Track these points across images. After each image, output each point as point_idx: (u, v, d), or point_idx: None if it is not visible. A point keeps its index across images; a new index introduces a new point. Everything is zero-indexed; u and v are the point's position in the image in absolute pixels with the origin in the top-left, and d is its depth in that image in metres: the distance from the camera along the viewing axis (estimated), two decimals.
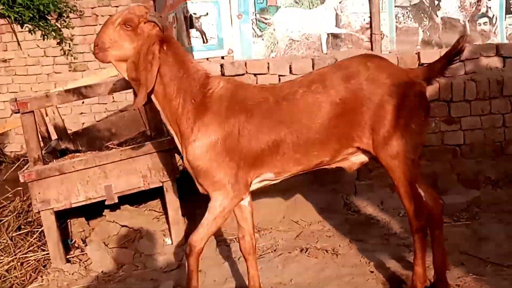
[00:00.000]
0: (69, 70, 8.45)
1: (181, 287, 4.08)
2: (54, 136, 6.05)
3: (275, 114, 3.26)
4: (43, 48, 8.46)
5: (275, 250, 4.53)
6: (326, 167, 3.54)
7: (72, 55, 8.24)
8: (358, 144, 3.32)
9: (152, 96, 3.34)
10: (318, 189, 5.16)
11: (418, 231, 3.35)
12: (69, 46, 7.13)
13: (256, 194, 5.07)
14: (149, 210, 5.30)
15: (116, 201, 4.71)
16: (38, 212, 4.63)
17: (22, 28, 6.80)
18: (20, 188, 5.33)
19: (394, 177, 3.31)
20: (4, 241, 4.70)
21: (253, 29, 5.36)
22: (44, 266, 4.62)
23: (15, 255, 4.59)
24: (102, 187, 4.67)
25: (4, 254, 4.61)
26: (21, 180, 4.53)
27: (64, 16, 7.04)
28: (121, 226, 5.10)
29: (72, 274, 4.51)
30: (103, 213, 5.16)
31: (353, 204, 5.13)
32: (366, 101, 3.23)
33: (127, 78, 3.33)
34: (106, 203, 4.69)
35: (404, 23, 5.49)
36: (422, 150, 3.41)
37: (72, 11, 7.28)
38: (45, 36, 6.79)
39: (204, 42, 5.32)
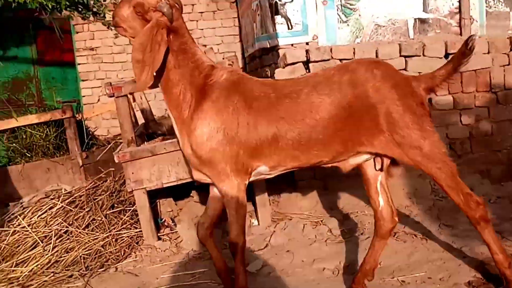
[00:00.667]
0: None
1: (269, 266, 4.19)
2: (140, 121, 6.27)
3: (275, 110, 3.25)
4: None
5: (362, 233, 4.55)
6: (323, 166, 3.52)
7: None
8: (370, 149, 3.29)
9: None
10: (404, 174, 5.13)
11: (478, 222, 3.24)
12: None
13: (341, 179, 5.13)
14: None
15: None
16: (131, 192, 4.83)
17: (60, 14, 6.97)
18: (112, 168, 5.55)
19: (431, 174, 3.25)
20: (99, 218, 4.91)
21: (338, 14, 5.37)
22: (137, 243, 4.82)
23: (109, 231, 4.80)
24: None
25: (100, 230, 4.83)
26: (116, 160, 4.73)
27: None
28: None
29: (164, 251, 4.69)
30: (191, 194, 5.32)
31: (440, 190, 5.06)
32: (372, 108, 3.19)
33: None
34: (196, 184, 4.83)
35: (495, 7, 5.37)
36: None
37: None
38: (85, 18, 7.00)
39: (289, 28, 5.39)
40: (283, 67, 5.14)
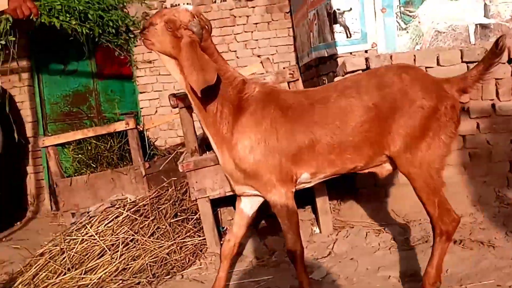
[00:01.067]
0: None
1: (333, 274, 4.19)
2: (198, 131, 6.35)
3: (309, 115, 3.35)
4: None
5: (426, 241, 4.49)
6: (359, 172, 3.60)
7: (136, 67, 8.51)
8: (387, 152, 3.35)
9: (190, 98, 3.51)
10: (468, 182, 5.07)
11: (442, 235, 3.32)
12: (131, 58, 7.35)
13: (402, 186, 5.09)
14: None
15: None
16: (195, 200, 4.92)
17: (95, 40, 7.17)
18: (175, 178, 5.66)
19: (415, 185, 3.32)
20: (164, 227, 5.01)
21: (398, 22, 5.36)
22: (201, 251, 4.90)
23: (174, 240, 4.90)
24: None
25: (164, 238, 4.93)
26: (180, 170, 4.84)
27: (131, 30, 7.31)
28: (267, 216, 5.32)
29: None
30: None
31: (506, 196, 4.97)
32: (397, 111, 3.25)
33: (170, 70, 3.52)
34: None
35: None
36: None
37: (138, 27, 7.54)
38: (116, 46, 7.14)
39: (348, 36, 5.40)
40: (343, 75, 5.15)
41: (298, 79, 4.70)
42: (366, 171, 3.62)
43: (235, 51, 8.88)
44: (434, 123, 3.24)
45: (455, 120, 3.30)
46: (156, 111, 9.15)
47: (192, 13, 3.37)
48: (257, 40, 8.85)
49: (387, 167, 3.56)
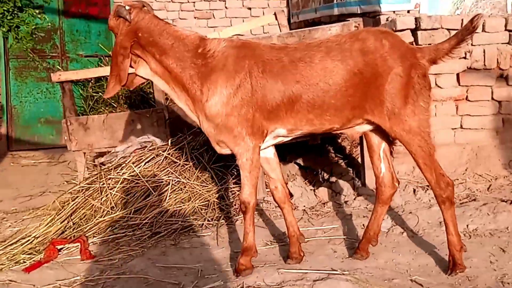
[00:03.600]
0: (195, 17, 8.57)
1: (398, 227, 4.27)
2: None
3: (290, 73, 3.37)
4: None
5: (474, 200, 4.66)
6: (333, 132, 3.72)
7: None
8: (370, 117, 3.43)
9: (153, 78, 3.59)
10: (499, 146, 5.27)
11: (444, 202, 3.42)
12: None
13: (439, 146, 5.21)
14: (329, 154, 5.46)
15: (319, 142, 4.86)
16: None
17: None
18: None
19: (411, 150, 3.42)
20: (207, 172, 4.87)
21: None
22: None
23: (220, 185, 4.77)
24: None
25: (209, 183, 4.79)
26: None
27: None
28: (299, 167, 5.32)
29: (276, 207, 4.68)
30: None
31: None
32: (379, 77, 3.34)
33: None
34: (310, 143, 4.85)
35: None
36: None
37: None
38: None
39: None
40: None
41: None
42: (339, 132, 3.69)
43: (224, 1, 8.63)
44: (411, 90, 3.33)
45: (427, 88, 3.41)
46: None
47: (114, 8, 3.47)
48: None
49: (359, 130, 3.61)
